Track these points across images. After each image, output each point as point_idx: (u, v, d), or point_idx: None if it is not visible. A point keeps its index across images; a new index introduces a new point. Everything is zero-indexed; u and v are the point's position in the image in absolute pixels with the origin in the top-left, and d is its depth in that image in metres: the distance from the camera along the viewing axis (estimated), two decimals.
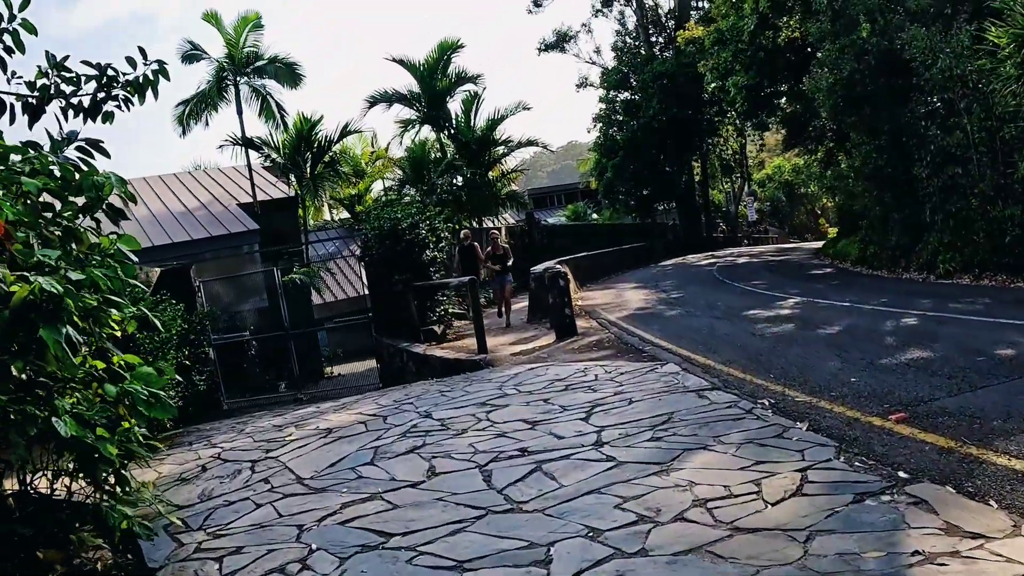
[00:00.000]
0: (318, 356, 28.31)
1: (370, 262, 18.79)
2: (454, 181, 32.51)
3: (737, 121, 54.40)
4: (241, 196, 30.75)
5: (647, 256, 46.41)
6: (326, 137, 31.34)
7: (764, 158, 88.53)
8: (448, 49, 34.13)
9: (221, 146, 30.44)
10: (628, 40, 60.58)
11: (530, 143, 34.08)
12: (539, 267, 21.39)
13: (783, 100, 34.44)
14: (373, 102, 34.62)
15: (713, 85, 39.39)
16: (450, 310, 20.82)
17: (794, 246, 59.78)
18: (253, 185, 30.03)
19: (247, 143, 30.56)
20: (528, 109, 34.37)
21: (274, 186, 31.83)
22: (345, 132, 31.45)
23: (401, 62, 33.83)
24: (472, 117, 33.90)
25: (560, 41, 58.67)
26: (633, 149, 52.33)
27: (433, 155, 33.02)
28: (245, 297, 25.47)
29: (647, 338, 14.71)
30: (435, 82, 33.92)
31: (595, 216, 63.63)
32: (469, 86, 34.28)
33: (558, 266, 18.14)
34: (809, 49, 31.75)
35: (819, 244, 61.42)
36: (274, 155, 31.37)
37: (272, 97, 31.86)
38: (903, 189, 24.48)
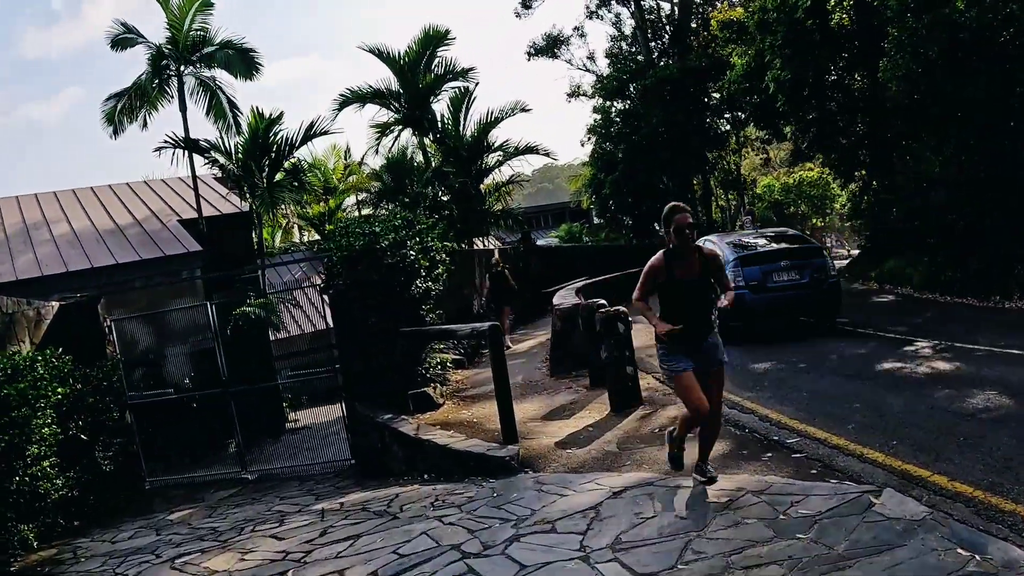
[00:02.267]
0: (278, 405, 22.71)
1: (336, 296, 13.28)
2: (440, 193, 27.13)
3: (750, 129, 49.77)
4: (185, 211, 25.31)
5: None
6: (286, 139, 25.85)
7: (756, 176, 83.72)
8: (434, 41, 29.02)
9: (159, 149, 24.82)
10: (624, 46, 55.79)
11: (529, 150, 28.93)
12: (567, 299, 16.18)
13: (829, 97, 29.26)
14: (344, 102, 29.39)
15: (735, 85, 34.27)
16: (448, 361, 15.59)
17: None
18: (198, 197, 24.58)
19: (191, 146, 25.08)
20: (527, 111, 29.36)
21: (225, 199, 26.37)
22: (311, 134, 25.90)
23: (378, 53, 28.65)
24: (462, 119, 28.81)
25: (551, 46, 53.75)
26: (633, 163, 47.34)
27: (418, 163, 27.63)
28: (182, 337, 19.87)
29: (769, 416, 9.47)
30: (418, 78, 28.78)
31: (586, 238, 58.40)
32: (458, 83, 29.21)
33: (601, 300, 12.88)
34: (857, 41, 26.84)
35: (837, 263, 57.07)
36: (223, 160, 25.85)
37: (223, 91, 26.41)
38: (1006, 199, 19.60)
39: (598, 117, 52.27)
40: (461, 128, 28.66)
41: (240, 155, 26.37)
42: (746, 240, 17.74)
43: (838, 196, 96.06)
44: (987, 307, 18.86)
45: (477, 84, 28.97)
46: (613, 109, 52.34)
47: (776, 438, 8.41)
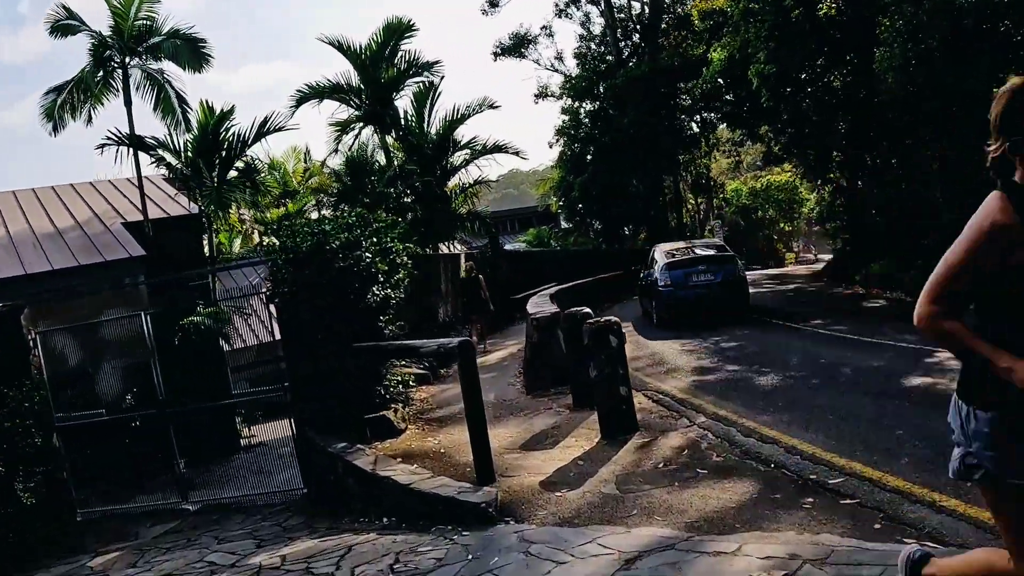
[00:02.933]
0: (230, 423, 20.83)
1: (282, 304, 11.59)
2: (404, 194, 25.42)
3: (722, 130, 48.66)
4: (131, 213, 23.44)
5: (626, 287, 39.80)
6: (239, 136, 23.99)
7: (724, 180, 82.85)
8: (396, 33, 27.36)
9: (101, 146, 22.94)
10: (593, 46, 54.43)
11: (498, 148, 27.31)
12: (544, 307, 14.59)
13: (814, 93, 27.80)
14: (302, 98, 27.66)
15: (712, 83, 32.93)
16: (411, 377, 13.99)
17: (778, 272, 53.88)
18: (144, 198, 22.73)
19: (135, 143, 23.21)
20: (495, 107, 27.74)
21: (173, 200, 24.52)
22: (265, 130, 24.03)
23: (338, 46, 26.95)
24: (426, 116, 27.14)
25: (518, 45, 52.28)
26: (603, 165, 45.96)
27: (380, 162, 25.85)
28: (119, 351, 18.03)
29: (796, 447, 7.88)
30: (380, 72, 27.11)
31: (552, 243, 56.86)
32: (422, 77, 27.54)
33: (585, 308, 11.31)
34: (845, 33, 25.47)
35: (805, 268, 56.37)
36: (170, 158, 23.97)
37: (171, 85, 24.53)
38: None
39: (567, 118, 50.90)
40: (425, 125, 27.02)
41: (189, 153, 24.53)
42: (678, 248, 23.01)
43: (806, 200, 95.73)
44: None
45: (442, 78, 27.45)
46: (582, 110, 50.97)
47: (814, 477, 6.86)
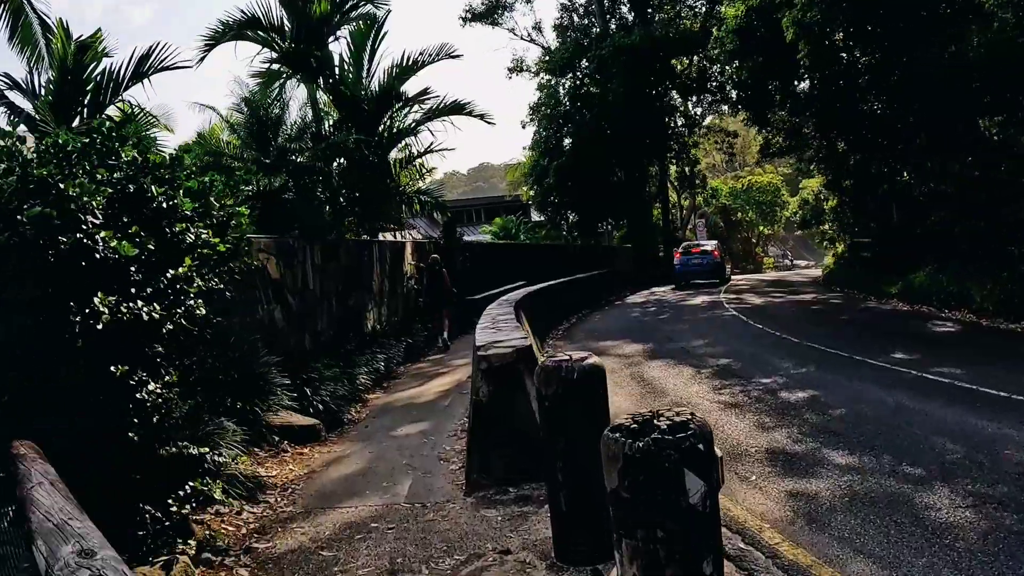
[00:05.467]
0: None
1: None
2: (333, 164, 19.06)
3: (713, 119, 43.12)
4: None
5: (606, 289, 33.86)
6: (111, 75, 17.73)
7: (707, 176, 77.12)
8: None
9: None
10: (576, 18, 48.44)
11: (458, 108, 21.18)
12: (504, 331, 8.36)
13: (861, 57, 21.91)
14: (214, 39, 21.38)
15: (726, 45, 27.12)
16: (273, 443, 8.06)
17: (774, 277, 48.29)
18: None
19: None
20: (456, 57, 21.59)
21: None
22: (147, 68, 17.64)
23: None
24: (366, 62, 20.96)
25: (492, 10, 46.11)
26: (583, 149, 39.99)
27: (296, 115, 19.34)
28: None
29: None
30: (310, 6, 20.93)
31: (521, 235, 50.70)
32: (365, 7, 21.32)
33: (590, 358, 5.39)
34: None
35: (796, 275, 51.08)
36: (26, 102, 17.70)
37: (31, 5, 18.23)
38: None
39: (543, 94, 44.87)
40: (365, 74, 20.87)
41: (50, 96, 18.21)
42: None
43: (788, 203, 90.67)
44: None
45: (389, 12, 21.17)
46: (561, 88, 45.03)
47: None
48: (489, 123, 21.94)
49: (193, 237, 5.83)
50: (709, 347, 16.15)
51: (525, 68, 48.21)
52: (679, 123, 45.38)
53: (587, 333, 21.08)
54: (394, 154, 21.88)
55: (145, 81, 19.03)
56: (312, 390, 10.65)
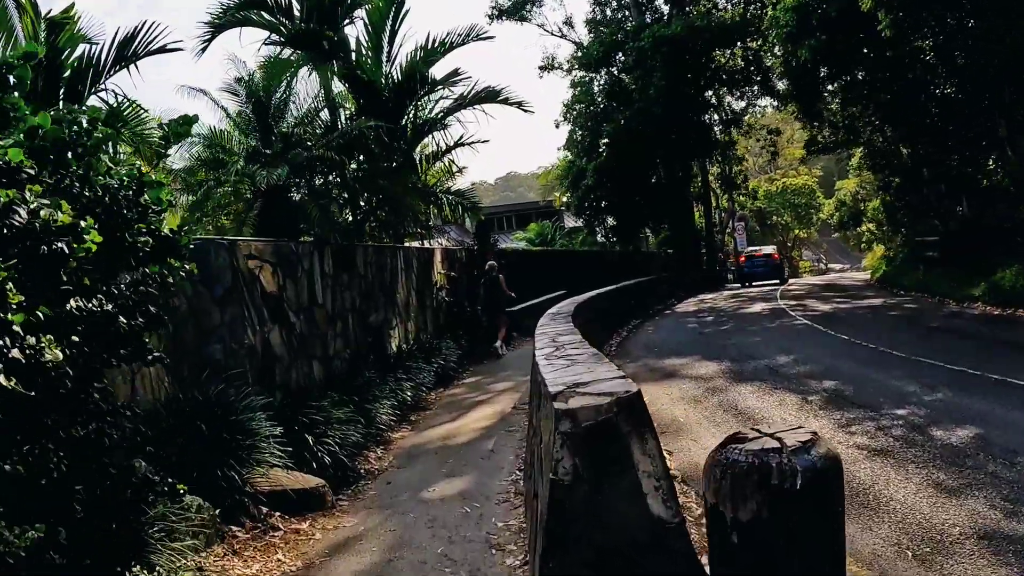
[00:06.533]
0: None
1: None
2: (350, 161, 16.38)
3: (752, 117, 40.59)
4: None
5: (652, 297, 31.11)
6: (89, 60, 15.26)
7: (750, 174, 74.14)
8: None
9: None
10: (609, 12, 45.81)
11: (492, 96, 18.61)
12: (574, 360, 5.75)
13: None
14: (216, 25, 18.92)
15: (782, 27, 24.47)
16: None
17: (825, 281, 45.36)
18: None
19: None
20: (487, 39, 19.03)
21: None
22: (132, 51, 15.26)
23: None
24: (386, 43, 18.43)
25: (520, 5, 43.50)
26: (623, 147, 37.28)
27: (304, 102, 16.61)
28: None
29: None
30: None
31: (558, 241, 47.95)
32: None
33: (815, 442, 2.89)
34: None
35: (842, 278, 48.39)
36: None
37: None
38: None
39: (578, 91, 42.25)
40: (386, 58, 18.34)
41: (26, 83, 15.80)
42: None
43: (823, 205, 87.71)
44: None
45: None
46: (595, 84, 42.42)
47: None
48: (527, 111, 19.33)
49: (24, 216, 3.27)
50: (800, 365, 13.43)
51: (556, 65, 45.57)
52: (721, 118, 42.65)
53: (645, 348, 18.37)
54: (420, 150, 19.34)
55: (133, 68, 16.53)
56: (316, 437, 8.08)
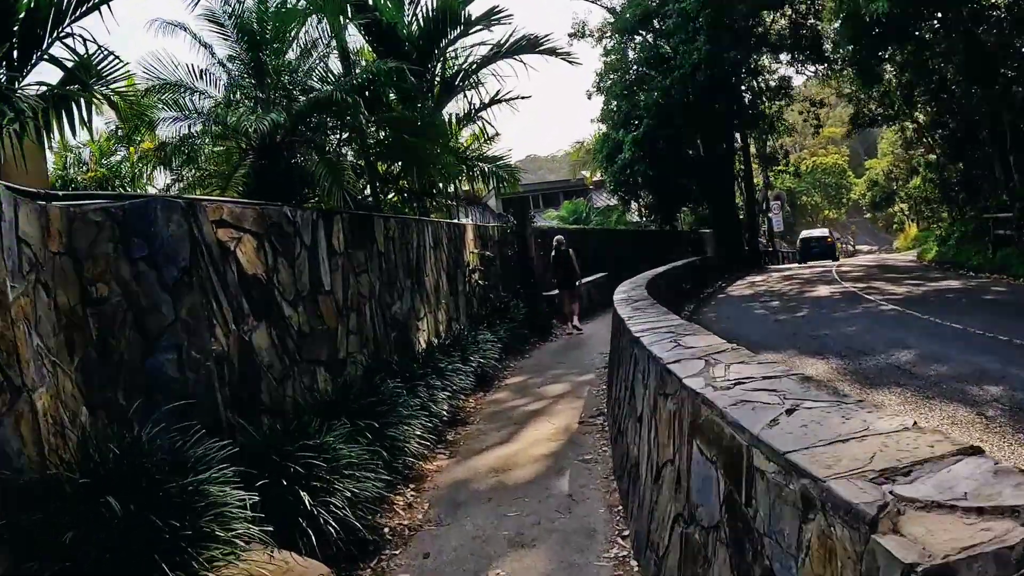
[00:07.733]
0: None
1: None
2: (362, 116, 13.47)
3: (823, 72, 37.84)
4: None
5: (700, 280, 28.25)
6: (52, 3, 12.71)
7: (789, 149, 71.07)
8: None
9: None
10: None
11: (533, 44, 15.70)
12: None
13: None
14: None
15: None
16: None
17: (875, 262, 42.43)
18: None
19: None
20: None
21: None
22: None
23: None
24: None
25: None
26: (663, 119, 34.30)
27: (302, 34, 13.60)
28: None
29: None
30: None
31: (593, 220, 44.95)
32: None
33: None
34: None
35: (892, 258, 46.05)
36: None
37: None
38: None
39: (612, 58, 39.34)
40: (405, 3, 15.55)
41: None
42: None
43: (854, 185, 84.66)
44: None
45: None
46: (631, 51, 39.46)
47: None
48: (574, 63, 16.53)
49: None
50: (932, 363, 10.61)
51: (588, 33, 42.48)
52: (768, 87, 39.62)
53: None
54: (450, 107, 16.54)
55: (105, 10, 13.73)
56: (312, 493, 5.34)
